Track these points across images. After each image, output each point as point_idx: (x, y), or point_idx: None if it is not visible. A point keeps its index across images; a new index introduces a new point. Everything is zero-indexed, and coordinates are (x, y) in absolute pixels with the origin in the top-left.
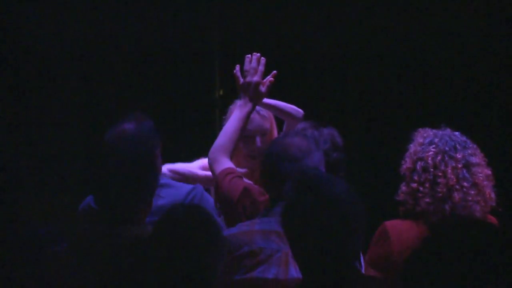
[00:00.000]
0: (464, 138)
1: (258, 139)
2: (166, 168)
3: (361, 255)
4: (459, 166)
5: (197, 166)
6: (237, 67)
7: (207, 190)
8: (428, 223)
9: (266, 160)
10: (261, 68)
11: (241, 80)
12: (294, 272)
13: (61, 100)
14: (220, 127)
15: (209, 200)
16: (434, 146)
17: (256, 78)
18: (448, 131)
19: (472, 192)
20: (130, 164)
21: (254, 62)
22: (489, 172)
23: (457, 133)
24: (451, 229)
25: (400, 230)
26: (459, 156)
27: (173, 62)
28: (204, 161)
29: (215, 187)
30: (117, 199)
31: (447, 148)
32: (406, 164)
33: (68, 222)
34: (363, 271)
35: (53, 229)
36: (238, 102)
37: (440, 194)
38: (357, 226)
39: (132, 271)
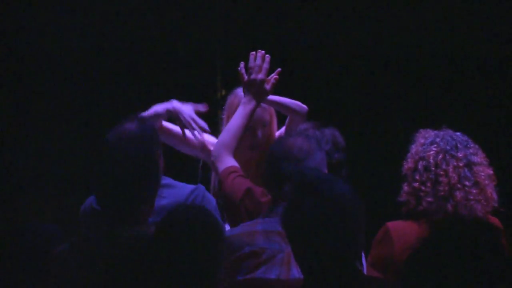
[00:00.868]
0: (465, 138)
1: (259, 132)
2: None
3: (363, 255)
4: (461, 165)
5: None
6: (242, 64)
7: (208, 189)
8: (430, 223)
9: (268, 160)
10: (266, 65)
11: (246, 77)
12: (296, 272)
13: (62, 100)
14: (222, 128)
15: (211, 200)
16: (435, 145)
17: (260, 76)
18: (449, 131)
19: (474, 191)
20: (132, 165)
21: (259, 59)
22: (491, 172)
23: (458, 133)
24: (450, 229)
25: (402, 231)
26: (460, 155)
27: (175, 63)
28: (208, 137)
29: (218, 183)
30: (119, 199)
31: (448, 147)
32: (408, 164)
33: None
34: (364, 271)
35: (54, 230)
36: (240, 90)
37: (442, 193)
38: (358, 226)
39: (134, 272)
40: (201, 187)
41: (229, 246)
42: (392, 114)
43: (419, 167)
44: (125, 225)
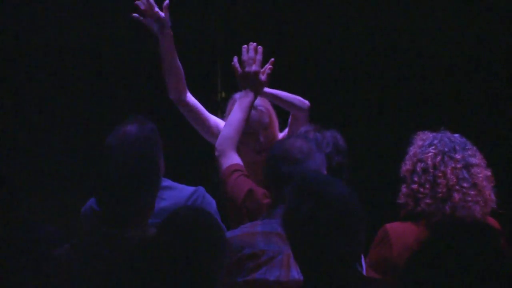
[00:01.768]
0: (463, 140)
1: (261, 135)
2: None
3: (362, 257)
4: (459, 166)
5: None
6: (235, 58)
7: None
8: (429, 225)
9: (268, 162)
10: (259, 57)
11: (240, 70)
12: (296, 274)
13: (62, 101)
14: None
15: (211, 202)
16: (433, 147)
17: (254, 68)
18: (447, 133)
19: (472, 192)
20: (132, 166)
21: (251, 51)
22: (489, 173)
23: (456, 135)
24: (448, 230)
25: (401, 233)
26: (458, 156)
27: None
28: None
29: (220, 181)
30: (120, 201)
31: (446, 149)
32: (406, 166)
33: (70, 224)
34: (364, 273)
35: (54, 231)
36: (238, 94)
37: (441, 195)
38: (358, 227)
39: (135, 274)
40: (201, 189)
41: (229, 248)
42: (395, 117)
43: (417, 169)
44: (126, 227)
